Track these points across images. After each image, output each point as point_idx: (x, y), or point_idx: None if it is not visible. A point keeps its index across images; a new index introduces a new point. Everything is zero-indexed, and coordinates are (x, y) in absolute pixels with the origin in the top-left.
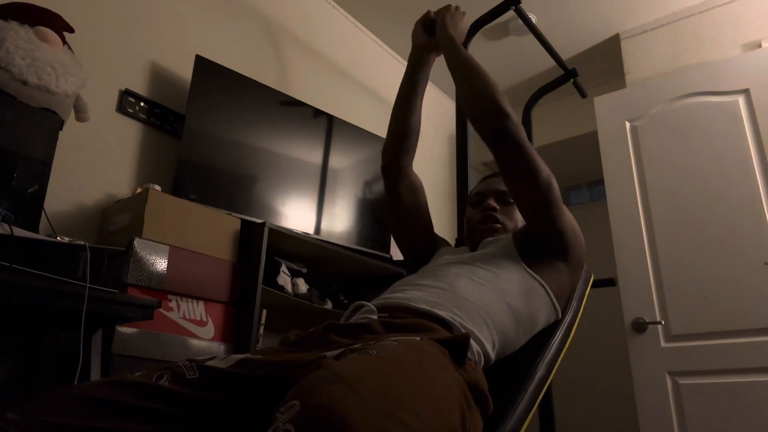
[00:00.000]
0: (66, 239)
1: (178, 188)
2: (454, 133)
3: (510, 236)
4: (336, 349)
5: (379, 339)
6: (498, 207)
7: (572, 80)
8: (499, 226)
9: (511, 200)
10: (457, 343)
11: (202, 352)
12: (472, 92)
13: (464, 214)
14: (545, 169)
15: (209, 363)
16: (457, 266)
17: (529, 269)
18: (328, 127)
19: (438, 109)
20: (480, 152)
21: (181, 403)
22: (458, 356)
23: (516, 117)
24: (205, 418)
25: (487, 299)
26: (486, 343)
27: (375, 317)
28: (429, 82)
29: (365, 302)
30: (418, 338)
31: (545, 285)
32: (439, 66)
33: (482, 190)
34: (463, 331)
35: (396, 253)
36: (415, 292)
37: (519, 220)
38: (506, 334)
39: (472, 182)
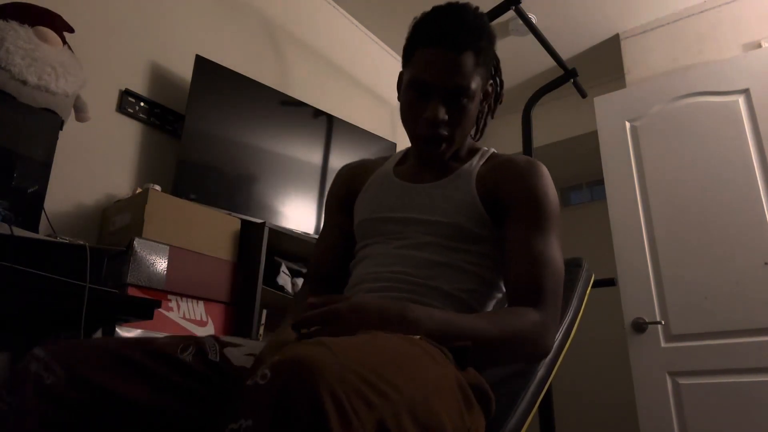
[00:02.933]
0: (66, 239)
1: (178, 188)
2: None
3: (474, 191)
4: None
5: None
6: (447, 116)
7: (572, 80)
8: (445, 145)
9: (465, 101)
10: (460, 350)
11: None
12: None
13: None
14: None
15: (227, 351)
16: (418, 242)
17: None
18: (328, 127)
19: None
20: None
21: (205, 382)
22: (461, 362)
23: (553, 329)
24: (223, 404)
25: (463, 284)
26: None
27: None
28: None
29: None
30: (417, 337)
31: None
32: None
33: (429, 81)
34: None
35: None
36: (398, 284)
37: (470, 125)
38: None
39: None
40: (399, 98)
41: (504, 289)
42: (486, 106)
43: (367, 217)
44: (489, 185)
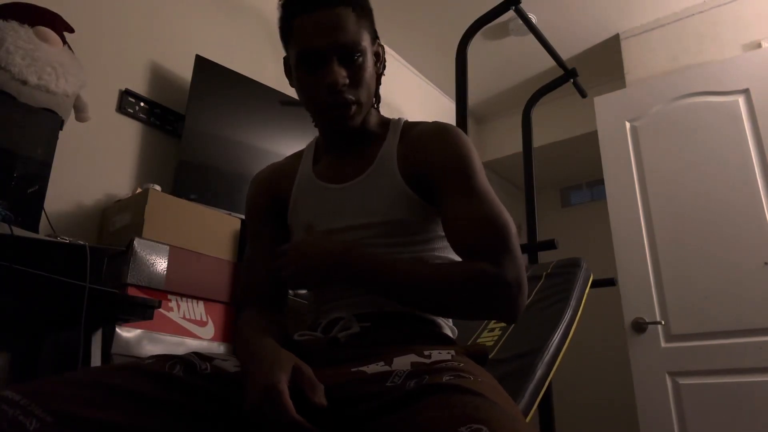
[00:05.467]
0: (66, 239)
1: (178, 188)
2: None
3: (396, 167)
4: (353, 357)
5: (415, 351)
6: (347, 79)
7: (572, 80)
8: (354, 108)
9: (360, 59)
10: (483, 358)
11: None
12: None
13: None
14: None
15: (216, 363)
16: (377, 236)
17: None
18: None
19: (438, 109)
20: (480, 152)
21: (197, 393)
22: (482, 365)
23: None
24: (219, 412)
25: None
26: (447, 328)
27: (358, 330)
28: (428, 82)
29: (342, 315)
30: (453, 352)
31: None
32: (438, 65)
33: (318, 46)
34: (444, 323)
35: None
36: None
37: (373, 86)
38: None
39: None
40: (292, 84)
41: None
42: (377, 71)
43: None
44: (411, 168)
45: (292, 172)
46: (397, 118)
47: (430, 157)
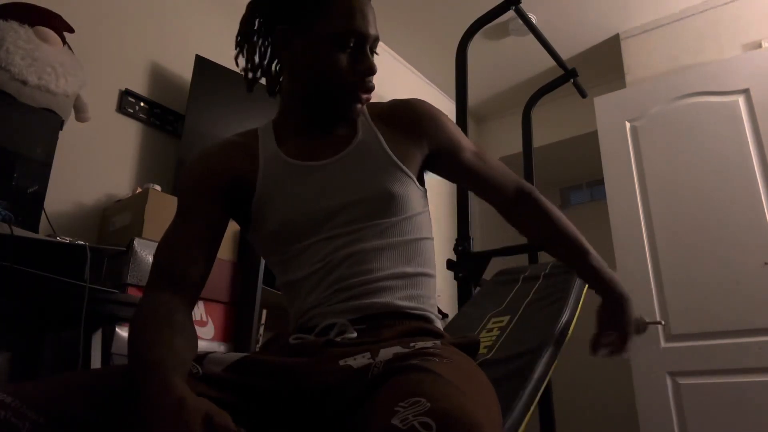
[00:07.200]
0: (66, 239)
1: (178, 188)
2: None
3: (379, 138)
4: (340, 352)
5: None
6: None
7: (572, 80)
8: (370, 96)
9: (375, 49)
10: (473, 348)
11: None
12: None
13: (465, 209)
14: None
15: (207, 368)
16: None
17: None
18: None
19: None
20: None
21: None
22: (472, 357)
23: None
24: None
25: (423, 259)
26: (437, 321)
27: (355, 335)
28: (428, 82)
29: (336, 320)
30: (439, 342)
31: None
32: (438, 65)
33: (362, 31)
34: (434, 318)
35: None
36: (371, 285)
37: None
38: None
39: None
40: (290, 55)
41: (430, 235)
42: None
43: (290, 217)
44: (402, 141)
45: (251, 152)
46: None
47: (429, 139)
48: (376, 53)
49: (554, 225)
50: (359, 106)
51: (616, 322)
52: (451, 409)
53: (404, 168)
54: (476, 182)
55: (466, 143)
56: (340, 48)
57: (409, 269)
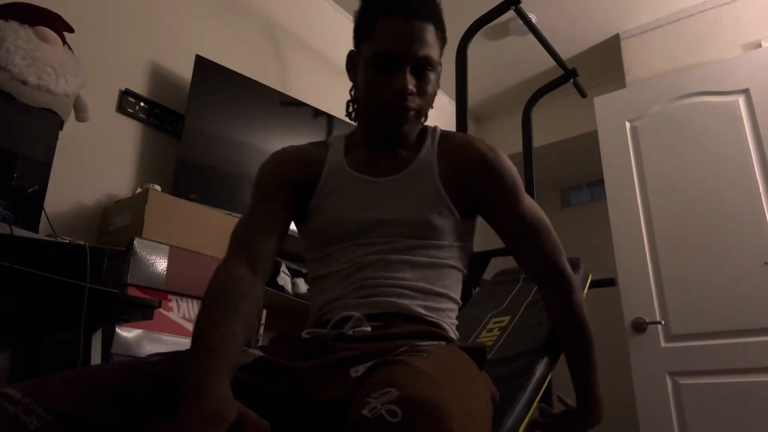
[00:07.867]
0: (66, 239)
1: (178, 188)
2: None
3: (435, 172)
4: (351, 356)
5: (409, 344)
6: (415, 88)
7: (572, 80)
8: (412, 115)
9: (430, 73)
10: (479, 353)
11: None
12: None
13: None
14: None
15: None
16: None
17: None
18: (328, 127)
19: (438, 108)
20: None
21: None
22: (479, 363)
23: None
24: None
25: (446, 281)
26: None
27: (369, 329)
28: None
29: (352, 313)
30: (444, 344)
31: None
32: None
33: (397, 51)
34: (449, 329)
35: None
36: (393, 288)
37: (433, 99)
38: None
39: None
40: (355, 77)
41: (463, 269)
42: (435, 89)
43: (335, 219)
44: (455, 184)
45: (320, 159)
46: (433, 126)
47: (487, 177)
48: (429, 76)
49: (574, 327)
50: (404, 126)
51: (574, 428)
52: (419, 396)
53: (449, 203)
54: (515, 251)
55: (521, 208)
56: (376, 68)
57: (433, 288)
